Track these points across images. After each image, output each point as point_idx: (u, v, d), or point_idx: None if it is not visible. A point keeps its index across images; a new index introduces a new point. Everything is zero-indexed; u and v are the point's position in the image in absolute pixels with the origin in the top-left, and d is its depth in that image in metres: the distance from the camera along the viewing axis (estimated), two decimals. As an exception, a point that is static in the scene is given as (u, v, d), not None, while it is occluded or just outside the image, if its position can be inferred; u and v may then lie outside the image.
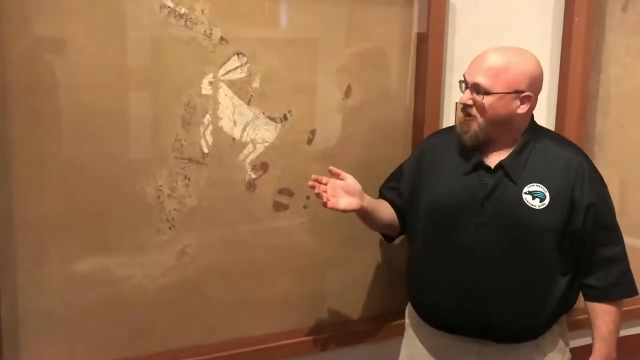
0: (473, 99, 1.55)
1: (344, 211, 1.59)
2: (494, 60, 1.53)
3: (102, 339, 1.67)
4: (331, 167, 1.62)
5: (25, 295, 1.58)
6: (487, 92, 1.53)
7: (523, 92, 1.54)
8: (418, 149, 1.81)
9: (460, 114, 1.61)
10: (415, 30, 1.93)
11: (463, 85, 1.59)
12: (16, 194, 1.54)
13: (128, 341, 1.70)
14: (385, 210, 1.74)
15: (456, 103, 1.97)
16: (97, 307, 1.65)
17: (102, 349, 1.67)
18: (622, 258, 1.63)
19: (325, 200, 1.56)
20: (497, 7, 2.00)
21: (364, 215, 1.67)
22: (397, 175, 1.80)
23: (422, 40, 1.92)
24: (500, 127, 1.57)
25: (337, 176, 1.61)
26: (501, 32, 1.98)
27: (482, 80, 1.52)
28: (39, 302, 1.59)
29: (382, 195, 1.82)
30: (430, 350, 1.69)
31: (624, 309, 1.67)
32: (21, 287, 1.57)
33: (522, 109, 1.55)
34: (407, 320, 1.80)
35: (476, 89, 1.54)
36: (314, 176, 1.60)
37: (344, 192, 1.59)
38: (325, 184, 1.59)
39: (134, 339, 1.70)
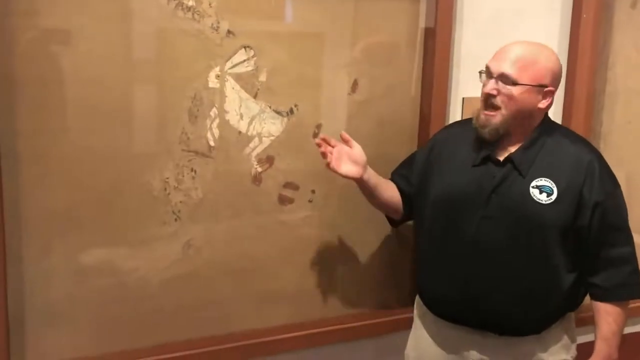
0: (498, 89, 1.54)
1: (344, 176, 1.63)
2: (523, 52, 1.54)
3: (106, 330, 1.68)
4: (343, 133, 1.66)
5: (32, 286, 1.59)
6: (514, 83, 1.53)
7: (546, 86, 1.55)
8: (430, 140, 1.81)
9: (479, 107, 1.59)
10: (422, 25, 1.93)
11: (483, 75, 1.58)
12: (22, 186, 1.54)
13: (132, 333, 1.71)
14: (388, 190, 1.75)
15: (463, 98, 1.98)
16: (102, 298, 1.66)
17: (106, 340, 1.68)
18: (629, 259, 1.61)
19: (329, 160, 1.62)
20: (504, 3, 1.99)
21: (364, 188, 1.69)
22: (408, 163, 1.81)
23: (429, 35, 1.91)
24: (520, 121, 1.57)
25: (346, 143, 1.65)
26: (509, 28, 1.97)
27: (510, 70, 1.52)
28: (44, 293, 1.60)
29: (392, 180, 1.83)
30: (434, 339, 1.70)
31: (629, 306, 1.67)
32: (27, 278, 1.58)
33: (543, 103, 1.56)
34: (415, 311, 1.81)
35: (503, 79, 1.53)
36: (322, 135, 1.66)
37: (349, 160, 1.64)
38: (333, 147, 1.64)
39: (138, 331, 1.71)
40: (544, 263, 1.56)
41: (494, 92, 1.54)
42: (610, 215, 1.58)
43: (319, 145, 1.64)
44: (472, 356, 1.63)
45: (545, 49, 1.58)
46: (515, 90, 1.53)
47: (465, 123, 1.79)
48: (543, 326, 1.61)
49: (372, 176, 1.68)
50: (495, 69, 1.55)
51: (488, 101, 1.56)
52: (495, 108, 1.55)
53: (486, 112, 1.57)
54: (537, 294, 1.57)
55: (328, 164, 1.62)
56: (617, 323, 1.62)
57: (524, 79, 1.53)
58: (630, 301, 1.64)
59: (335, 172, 1.62)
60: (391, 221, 1.86)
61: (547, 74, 1.55)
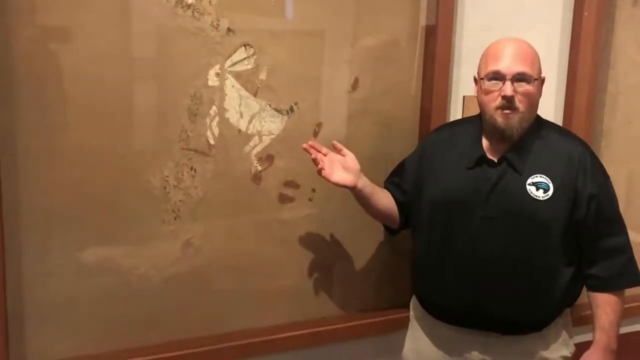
0: (515, 89, 1.53)
1: (337, 185, 1.63)
2: (524, 48, 1.57)
3: (107, 329, 1.68)
4: (335, 142, 1.66)
5: (31, 285, 1.58)
6: (531, 80, 1.54)
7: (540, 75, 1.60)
8: (420, 145, 1.82)
9: (492, 109, 1.56)
10: (423, 23, 1.92)
11: (487, 82, 1.56)
12: (22, 183, 1.54)
13: (133, 331, 1.70)
14: (384, 199, 1.75)
15: (464, 96, 1.97)
16: (102, 297, 1.66)
17: (106, 338, 1.68)
18: (625, 248, 1.64)
19: (321, 167, 1.61)
20: (506, 1, 1.98)
21: (359, 196, 1.69)
22: (399, 171, 1.81)
23: (430, 33, 1.91)
24: (532, 116, 1.60)
25: (339, 151, 1.66)
26: (510, 26, 1.96)
27: (526, 69, 1.54)
28: (44, 291, 1.60)
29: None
30: (434, 342, 1.71)
31: (627, 305, 1.68)
32: (27, 277, 1.58)
33: (542, 93, 1.61)
34: (411, 313, 1.81)
35: (520, 78, 1.53)
36: (311, 142, 1.65)
37: (342, 168, 1.64)
38: (325, 154, 1.64)
39: (138, 329, 1.71)
40: (545, 259, 1.58)
41: (513, 93, 1.53)
42: (605, 206, 1.60)
43: (308, 152, 1.64)
44: (473, 357, 1.64)
45: (528, 41, 1.61)
46: (533, 87, 1.55)
47: (455, 125, 1.80)
48: (545, 323, 1.62)
49: (366, 185, 1.68)
50: (509, 70, 1.53)
51: (506, 104, 1.54)
52: (513, 109, 1.54)
53: (504, 111, 1.55)
54: (539, 291, 1.58)
55: (320, 171, 1.62)
56: (615, 312, 1.63)
57: (535, 74, 1.56)
58: (626, 290, 1.66)
59: (328, 180, 1.62)
60: (388, 230, 1.87)
61: (540, 63, 1.59)
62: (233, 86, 1.71)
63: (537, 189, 1.56)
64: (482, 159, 1.61)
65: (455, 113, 1.98)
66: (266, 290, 1.84)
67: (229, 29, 1.67)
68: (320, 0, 1.77)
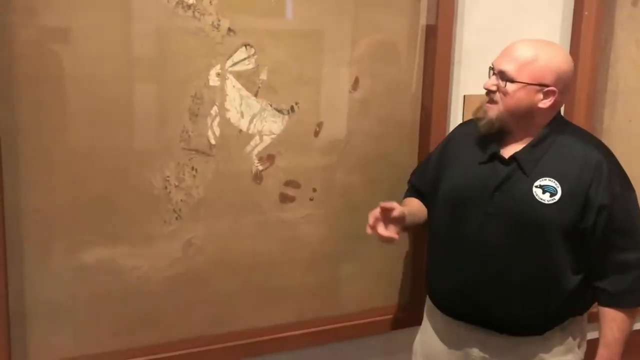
0: (497, 85, 1.57)
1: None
2: (523, 50, 1.56)
3: (108, 328, 1.68)
4: (382, 205, 1.60)
5: (32, 285, 1.59)
6: (510, 80, 1.54)
7: (547, 86, 1.54)
8: (446, 137, 1.83)
9: (484, 102, 1.63)
10: (423, 22, 1.92)
11: (491, 72, 1.60)
12: (24, 184, 1.54)
13: (133, 331, 1.71)
14: (420, 212, 1.76)
15: (464, 96, 1.97)
16: (103, 297, 1.66)
17: (108, 338, 1.68)
18: (637, 265, 1.57)
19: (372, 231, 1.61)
20: (506, 0, 1.98)
21: (408, 227, 1.69)
22: (425, 162, 1.84)
23: (431, 32, 1.91)
24: (519, 119, 1.58)
25: (390, 211, 1.60)
26: (510, 26, 1.97)
27: (508, 67, 1.54)
28: (45, 291, 1.60)
29: (411, 184, 1.85)
30: (439, 335, 1.72)
31: (635, 313, 1.60)
32: (28, 277, 1.58)
33: (545, 103, 1.55)
34: (425, 306, 1.82)
35: (502, 76, 1.55)
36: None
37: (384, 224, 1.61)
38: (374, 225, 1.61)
39: (139, 329, 1.71)
40: (544, 262, 1.55)
41: (493, 88, 1.58)
42: (618, 218, 1.54)
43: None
44: (474, 353, 1.64)
45: (552, 49, 1.58)
46: (510, 88, 1.54)
47: None
48: (545, 327, 1.60)
49: (408, 215, 1.65)
50: (496, 65, 1.58)
51: (488, 96, 1.60)
52: (493, 102, 1.59)
53: (487, 104, 1.61)
54: (536, 293, 1.57)
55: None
56: (621, 330, 1.59)
57: (521, 77, 1.54)
58: (637, 308, 1.59)
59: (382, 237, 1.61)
60: None
61: (549, 73, 1.54)
62: (234, 86, 1.71)
63: (544, 192, 1.54)
64: (495, 156, 1.61)
65: (456, 112, 1.98)
66: (267, 290, 1.85)
67: (229, 29, 1.67)
68: (321, 0, 1.77)
